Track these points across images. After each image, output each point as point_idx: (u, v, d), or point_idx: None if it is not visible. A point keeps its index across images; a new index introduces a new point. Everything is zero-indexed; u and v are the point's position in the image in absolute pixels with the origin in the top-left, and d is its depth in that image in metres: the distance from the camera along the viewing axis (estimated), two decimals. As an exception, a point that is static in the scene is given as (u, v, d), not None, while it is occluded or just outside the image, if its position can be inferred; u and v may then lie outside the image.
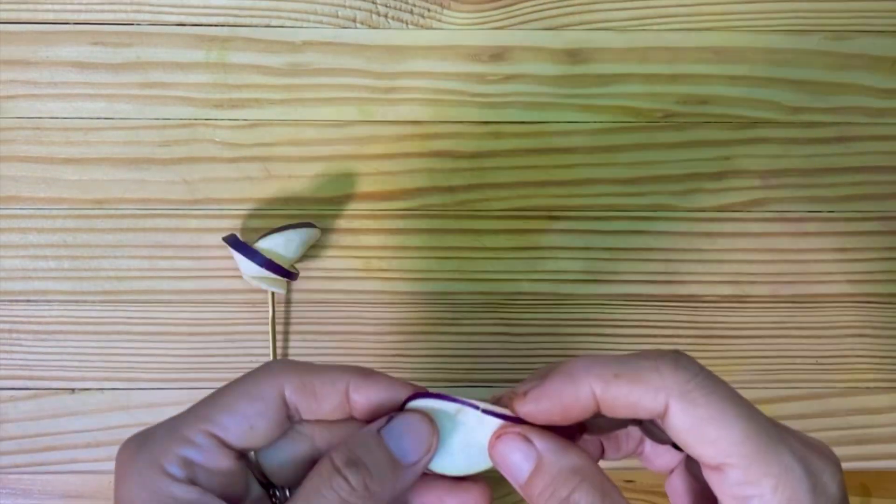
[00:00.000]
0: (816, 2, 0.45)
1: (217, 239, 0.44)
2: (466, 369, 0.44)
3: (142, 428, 0.27)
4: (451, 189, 0.45)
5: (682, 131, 0.45)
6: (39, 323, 0.44)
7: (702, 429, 0.24)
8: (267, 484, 0.28)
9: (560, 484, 0.25)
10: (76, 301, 0.44)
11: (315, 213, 0.44)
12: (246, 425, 0.26)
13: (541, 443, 0.26)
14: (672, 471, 0.30)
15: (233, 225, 0.44)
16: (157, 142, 0.44)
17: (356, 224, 0.44)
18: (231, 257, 0.43)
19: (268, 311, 0.43)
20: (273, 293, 0.43)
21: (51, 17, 0.44)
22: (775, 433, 0.25)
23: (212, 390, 0.27)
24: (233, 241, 0.41)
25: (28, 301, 0.44)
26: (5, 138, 0.44)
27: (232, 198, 0.44)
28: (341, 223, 0.44)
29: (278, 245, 0.41)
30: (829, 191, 0.45)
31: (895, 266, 0.45)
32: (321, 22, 0.44)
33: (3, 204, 0.44)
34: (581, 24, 0.45)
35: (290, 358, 0.27)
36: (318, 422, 0.28)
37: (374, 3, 0.45)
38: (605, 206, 0.45)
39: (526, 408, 0.26)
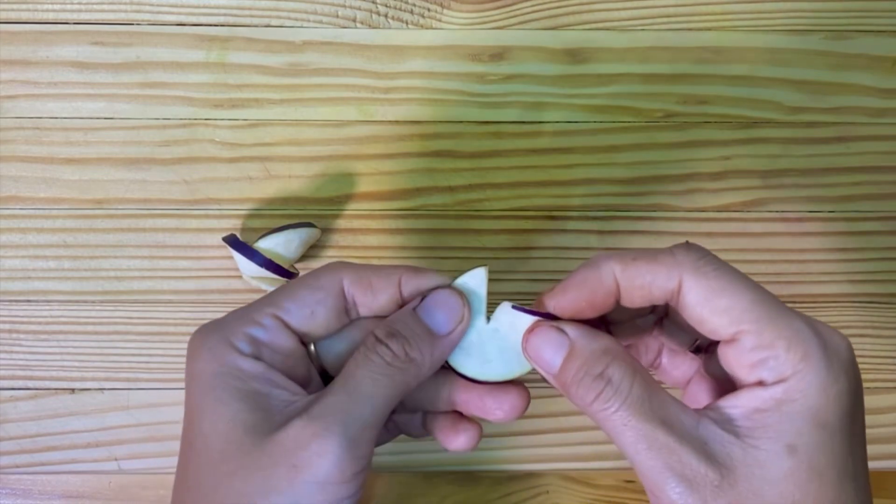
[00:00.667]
0: (816, 2, 0.45)
1: (217, 239, 0.44)
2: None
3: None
4: (451, 189, 0.45)
5: (682, 131, 0.45)
6: (39, 323, 0.44)
7: (714, 299, 0.26)
8: (323, 375, 0.31)
9: (593, 363, 0.27)
10: (76, 301, 0.44)
11: (315, 213, 0.44)
12: (307, 311, 0.29)
13: (572, 330, 0.28)
14: (689, 381, 0.32)
15: (233, 225, 0.44)
16: (157, 142, 0.44)
17: (356, 224, 0.44)
18: (231, 257, 0.43)
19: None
20: (273, 293, 0.43)
21: (50, 16, 0.44)
22: (782, 304, 0.26)
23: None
24: (233, 241, 0.41)
25: (28, 301, 0.44)
26: (5, 138, 0.44)
27: (232, 198, 0.44)
28: (341, 223, 0.44)
29: (278, 245, 0.41)
30: (829, 191, 0.45)
31: (895, 266, 0.45)
32: (321, 22, 0.44)
33: (3, 204, 0.44)
34: (581, 24, 0.45)
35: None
36: (372, 319, 0.31)
37: (374, 3, 0.45)
38: (605, 206, 0.45)
39: (555, 300, 0.29)
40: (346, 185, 0.44)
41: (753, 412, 0.25)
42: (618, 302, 0.28)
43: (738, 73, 0.45)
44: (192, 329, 0.44)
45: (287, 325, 0.29)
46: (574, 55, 0.45)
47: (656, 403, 0.26)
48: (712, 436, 0.25)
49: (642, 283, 0.27)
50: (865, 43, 0.45)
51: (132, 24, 0.44)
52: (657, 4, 0.45)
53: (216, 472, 0.26)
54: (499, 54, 0.45)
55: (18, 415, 0.44)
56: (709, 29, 0.45)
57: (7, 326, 0.44)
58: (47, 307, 0.44)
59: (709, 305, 0.26)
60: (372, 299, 0.30)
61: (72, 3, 0.44)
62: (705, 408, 0.27)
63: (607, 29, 0.45)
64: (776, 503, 0.24)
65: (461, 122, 0.45)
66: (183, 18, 0.44)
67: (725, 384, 0.28)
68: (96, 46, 0.44)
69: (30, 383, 0.44)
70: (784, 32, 0.45)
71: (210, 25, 0.44)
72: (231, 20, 0.44)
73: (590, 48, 0.45)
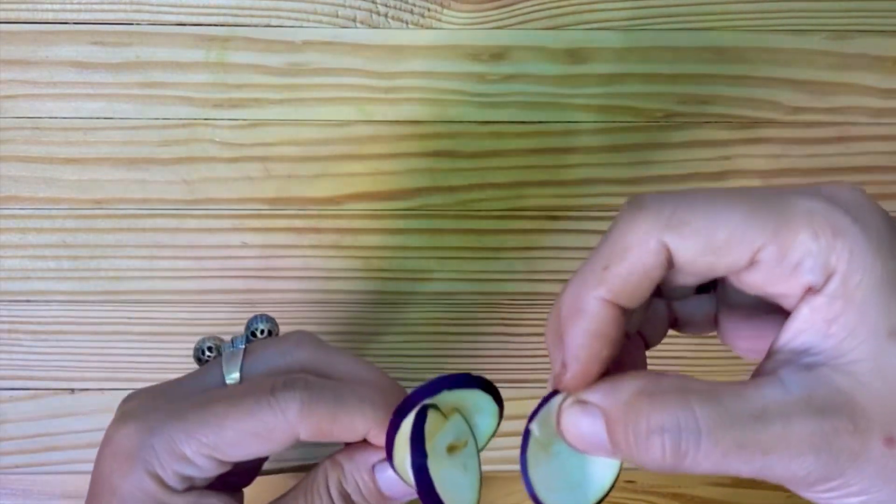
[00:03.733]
0: (816, 2, 0.45)
1: (217, 239, 0.44)
2: (466, 369, 0.44)
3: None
4: (451, 189, 0.45)
5: (682, 131, 0.45)
6: (39, 323, 0.44)
7: (710, 239, 0.22)
8: None
9: (634, 421, 0.22)
10: (76, 301, 0.44)
11: (315, 213, 0.44)
12: (251, 457, 0.27)
13: (592, 395, 0.24)
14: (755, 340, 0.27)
15: (233, 225, 0.44)
16: (157, 142, 0.44)
17: (356, 224, 0.44)
18: (229, 257, 0.43)
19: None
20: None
21: (50, 16, 0.44)
22: (773, 194, 0.23)
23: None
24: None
25: (28, 301, 0.44)
26: (5, 138, 0.44)
27: (232, 198, 0.44)
28: (341, 223, 0.44)
29: None
30: (830, 191, 0.45)
31: (895, 266, 0.45)
32: (321, 22, 0.44)
33: (3, 204, 0.44)
34: (581, 23, 0.45)
35: (308, 377, 0.27)
36: None
37: (374, 2, 0.44)
38: (605, 206, 0.45)
39: (574, 381, 0.24)
40: (346, 185, 0.44)
41: (826, 326, 0.21)
42: (630, 317, 0.24)
43: (738, 73, 0.45)
44: (192, 329, 0.44)
45: (223, 462, 0.27)
46: (574, 55, 0.45)
47: (730, 404, 0.21)
48: (804, 386, 0.21)
49: (636, 280, 0.23)
50: (866, 43, 0.45)
51: (132, 24, 0.44)
52: (657, 4, 0.45)
53: None
54: (499, 54, 0.45)
55: (18, 415, 0.44)
56: (709, 29, 0.45)
57: (7, 326, 0.44)
58: (47, 307, 0.44)
59: (710, 250, 0.22)
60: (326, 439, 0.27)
61: (71, 3, 0.44)
62: (768, 365, 0.22)
63: (607, 29, 0.45)
64: None
65: (461, 122, 0.45)
66: (183, 18, 0.44)
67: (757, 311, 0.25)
68: (96, 46, 0.44)
69: (29, 383, 0.44)
70: (784, 32, 0.45)
71: (210, 25, 0.44)
72: (231, 20, 0.44)
73: (590, 48, 0.45)
